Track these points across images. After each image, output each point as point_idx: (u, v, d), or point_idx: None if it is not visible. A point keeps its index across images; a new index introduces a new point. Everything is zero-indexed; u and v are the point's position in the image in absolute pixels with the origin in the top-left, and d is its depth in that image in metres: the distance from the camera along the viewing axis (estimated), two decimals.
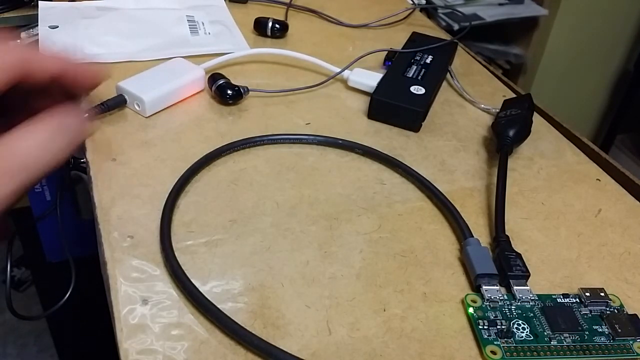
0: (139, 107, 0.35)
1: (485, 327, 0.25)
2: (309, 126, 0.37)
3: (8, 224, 1.06)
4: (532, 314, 0.26)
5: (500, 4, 1.04)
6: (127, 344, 0.23)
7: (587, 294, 0.27)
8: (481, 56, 0.58)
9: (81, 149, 0.33)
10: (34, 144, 0.26)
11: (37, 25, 0.44)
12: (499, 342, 0.24)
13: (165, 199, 0.29)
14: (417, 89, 0.39)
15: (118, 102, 0.35)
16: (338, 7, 0.54)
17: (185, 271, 0.25)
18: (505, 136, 0.36)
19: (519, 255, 0.28)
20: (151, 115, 0.36)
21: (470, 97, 0.42)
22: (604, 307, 0.26)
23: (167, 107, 0.37)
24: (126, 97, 0.36)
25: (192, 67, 0.39)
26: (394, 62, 0.43)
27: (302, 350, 0.23)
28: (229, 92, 0.37)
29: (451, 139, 0.38)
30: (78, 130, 0.29)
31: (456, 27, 0.92)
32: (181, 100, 0.38)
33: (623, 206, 0.34)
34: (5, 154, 0.25)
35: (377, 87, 0.39)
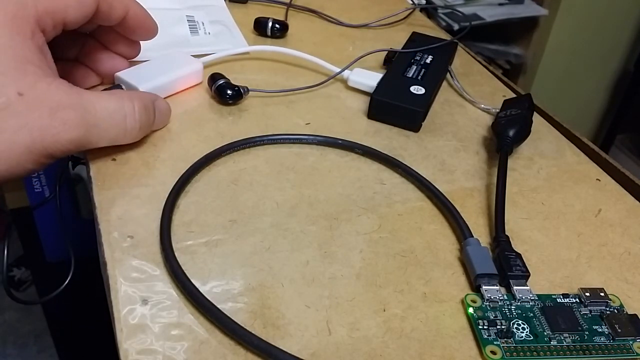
0: None
1: (485, 327, 0.25)
2: (309, 126, 0.37)
3: (4, 220, 1.06)
4: (532, 314, 0.26)
5: (500, 4, 1.04)
6: (127, 344, 0.23)
7: (587, 294, 0.27)
8: (481, 56, 0.58)
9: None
10: (113, 109, 0.30)
11: None
12: (498, 342, 0.24)
13: (165, 199, 0.29)
14: (417, 89, 0.39)
15: None
16: (338, 7, 0.54)
17: (185, 271, 0.25)
18: (505, 136, 0.36)
19: (519, 255, 0.28)
20: None
21: (470, 97, 0.42)
22: (604, 307, 0.26)
23: (165, 98, 0.37)
24: (123, 87, 0.36)
25: (191, 60, 0.39)
26: (394, 62, 0.43)
27: (302, 350, 0.23)
28: (229, 92, 0.37)
29: (451, 139, 0.38)
30: (154, 116, 0.33)
31: (456, 27, 0.92)
32: (178, 92, 0.38)
33: (623, 206, 0.34)
34: (87, 105, 0.29)
35: (377, 87, 0.39)
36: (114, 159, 0.32)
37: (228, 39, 0.46)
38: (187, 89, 0.39)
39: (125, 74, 0.36)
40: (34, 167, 0.27)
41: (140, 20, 0.34)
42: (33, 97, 0.26)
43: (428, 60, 0.44)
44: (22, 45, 0.27)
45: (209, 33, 0.46)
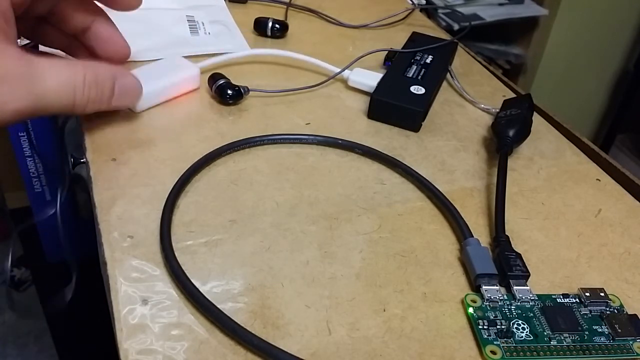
0: None
1: (485, 327, 0.25)
2: (309, 126, 0.37)
3: (7, 223, 1.06)
4: (532, 314, 0.26)
5: (500, 4, 1.04)
6: (127, 344, 0.23)
7: (587, 294, 0.27)
8: (481, 56, 0.58)
9: (81, 148, 0.33)
10: (64, 81, 0.29)
11: None
12: (498, 342, 0.24)
13: (165, 199, 0.29)
14: (417, 89, 0.39)
15: None
16: (338, 7, 0.54)
17: (185, 271, 0.25)
18: (505, 136, 0.36)
19: (519, 255, 0.28)
20: (144, 111, 0.36)
21: (470, 97, 0.42)
22: (604, 307, 0.26)
23: (161, 104, 0.37)
24: None
25: (188, 65, 0.39)
26: (394, 62, 0.43)
27: (302, 350, 0.23)
28: (229, 92, 0.37)
29: (451, 139, 0.38)
30: (109, 92, 0.32)
31: (456, 27, 0.92)
32: (174, 98, 0.38)
33: (623, 206, 0.34)
34: (36, 75, 0.28)
35: (377, 87, 0.39)
36: (114, 159, 0.32)
37: (228, 39, 0.46)
38: (184, 94, 0.39)
39: None
40: None
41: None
42: None
43: (428, 60, 0.44)
44: None
45: (209, 33, 0.46)
